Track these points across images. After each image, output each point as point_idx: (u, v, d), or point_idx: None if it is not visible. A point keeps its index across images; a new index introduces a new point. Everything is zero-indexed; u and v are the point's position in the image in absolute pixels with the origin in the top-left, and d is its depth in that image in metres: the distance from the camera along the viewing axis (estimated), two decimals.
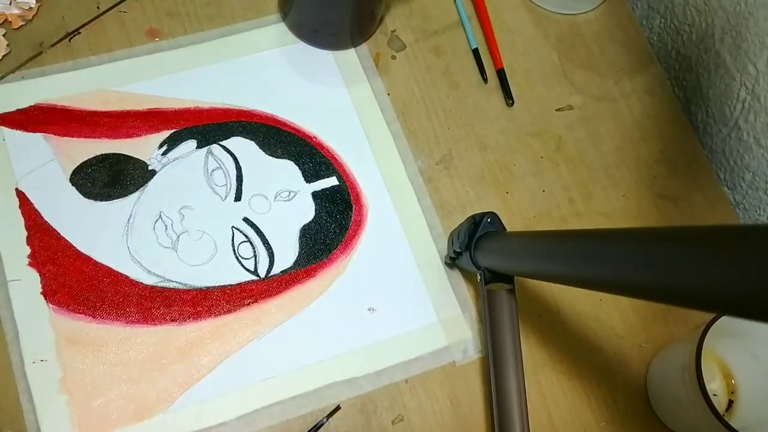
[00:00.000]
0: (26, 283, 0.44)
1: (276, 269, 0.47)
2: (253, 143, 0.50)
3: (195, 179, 0.48)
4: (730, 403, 0.46)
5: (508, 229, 0.41)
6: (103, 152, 0.48)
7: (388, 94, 0.53)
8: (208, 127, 0.50)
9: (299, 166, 0.50)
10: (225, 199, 0.48)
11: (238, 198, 0.48)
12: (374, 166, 0.51)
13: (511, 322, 0.39)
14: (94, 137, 0.48)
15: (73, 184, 0.47)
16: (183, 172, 0.48)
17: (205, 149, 0.49)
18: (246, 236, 0.47)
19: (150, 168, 0.48)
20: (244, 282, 0.46)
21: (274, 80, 0.52)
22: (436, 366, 0.46)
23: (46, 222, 0.46)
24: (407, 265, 0.49)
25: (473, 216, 0.42)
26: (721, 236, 0.21)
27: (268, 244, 0.48)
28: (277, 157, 0.50)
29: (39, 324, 0.43)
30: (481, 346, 0.47)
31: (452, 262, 0.47)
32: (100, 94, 0.50)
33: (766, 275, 0.18)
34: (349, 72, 0.53)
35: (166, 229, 0.47)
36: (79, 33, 0.51)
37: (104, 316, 0.44)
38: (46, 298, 0.44)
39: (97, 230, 0.46)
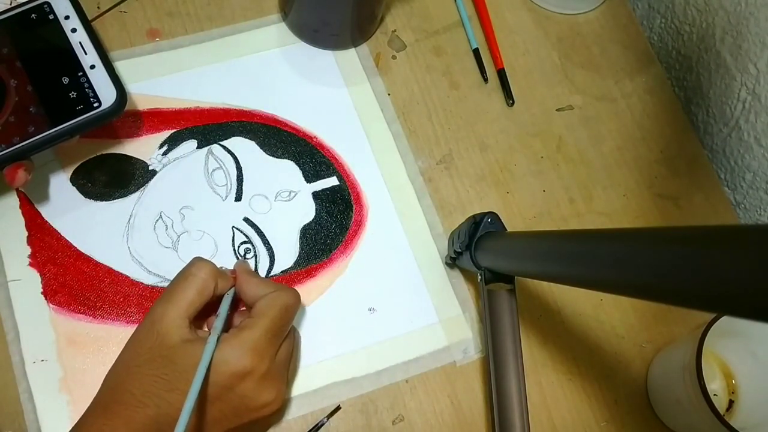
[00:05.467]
0: (27, 283, 0.44)
1: (276, 269, 0.47)
2: (253, 143, 0.50)
3: (195, 179, 0.48)
4: (731, 403, 0.46)
5: (509, 229, 0.41)
6: (104, 152, 0.48)
7: (389, 94, 0.53)
8: (209, 127, 0.50)
9: (300, 166, 0.50)
10: (225, 199, 0.48)
11: (238, 198, 0.48)
12: (375, 166, 0.51)
13: (512, 322, 0.39)
14: (95, 137, 0.48)
15: (73, 184, 0.47)
16: (183, 172, 0.48)
17: (205, 149, 0.49)
18: (246, 236, 0.47)
19: (150, 168, 0.48)
20: None
21: (275, 80, 0.52)
22: (436, 366, 0.46)
23: (47, 222, 0.46)
24: (407, 265, 0.49)
25: (473, 216, 0.42)
26: (721, 236, 0.21)
27: (269, 244, 0.48)
28: (278, 157, 0.50)
29: (39, 324, 0.43)
30: (482, 346, 0.47)
31: (452, 262, 0.47)
32: None
33: (766, 275, 0.18)
34: (350, 72, 0.53)
35: (167, 229, 0.47)
36: None
37: (105, 316, 0.44)
38: (46, 298, 0.44)
39: (98, 230, 0.46)
